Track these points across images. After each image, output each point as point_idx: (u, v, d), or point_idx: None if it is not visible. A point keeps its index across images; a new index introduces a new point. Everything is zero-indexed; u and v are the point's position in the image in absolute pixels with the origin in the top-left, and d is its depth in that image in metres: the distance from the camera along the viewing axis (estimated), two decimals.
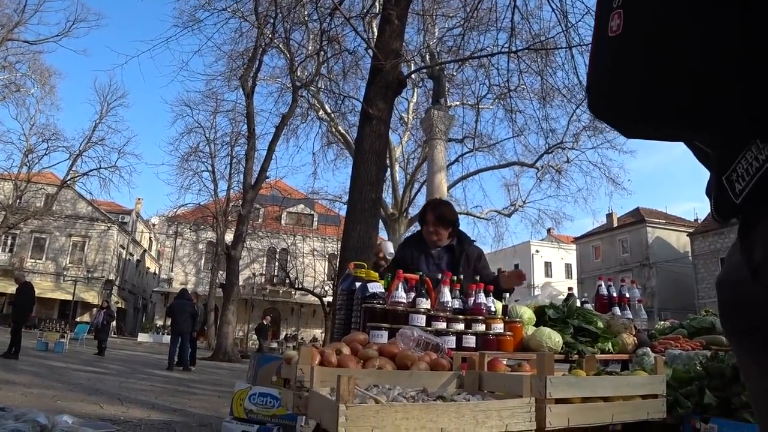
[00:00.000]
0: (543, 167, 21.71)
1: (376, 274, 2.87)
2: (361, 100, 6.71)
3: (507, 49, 9.28)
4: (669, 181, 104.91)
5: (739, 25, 0.59)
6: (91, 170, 34.45)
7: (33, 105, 36.56)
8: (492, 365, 2.15)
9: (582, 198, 22.96)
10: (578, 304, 3.50)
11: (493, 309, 2.86)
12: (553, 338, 2.87)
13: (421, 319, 2.61)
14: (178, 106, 37.59)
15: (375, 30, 7.84)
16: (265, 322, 27.87)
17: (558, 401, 1.83)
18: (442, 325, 2.66)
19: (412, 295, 2.77)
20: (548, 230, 38.02)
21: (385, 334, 2.50)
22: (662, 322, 4.00)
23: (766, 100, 0.59)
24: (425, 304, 2.69)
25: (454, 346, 2.60)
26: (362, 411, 1.40)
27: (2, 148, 49.69)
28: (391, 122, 7.37)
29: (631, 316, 3.55)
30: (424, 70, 16.46)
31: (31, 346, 16.68)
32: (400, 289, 2.72)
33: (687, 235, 39.42)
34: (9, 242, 41.06)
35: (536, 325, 3.14)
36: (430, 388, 1.78)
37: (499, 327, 2.80)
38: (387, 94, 6.38)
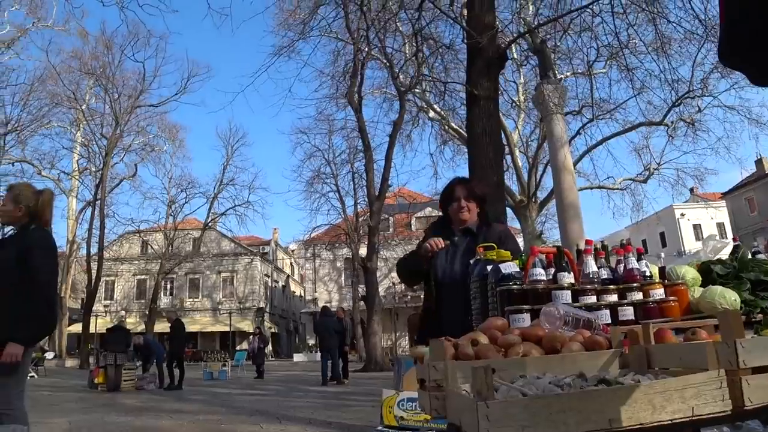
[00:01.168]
0: (673, 123, 19.97)
1: (508, 254, 2.58)
2: (465, 84, 6.42)
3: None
4: None
5: None
6: (228, 210, 37.18)
7: (168, 160, 40.15)
8: (660, 336, 1.79)
9: (724, 148, 20.62)
10: (749, 255, 2.98)
11: (648, 273, 2.46)
12: (728, 297, 2.42)
13: (567, 296, 2.28)
14: (294, 134, 39.50)
15: (465, 13, 7.52)
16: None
17: (756, 371, 1.44)
18: (592, 299, 2.31)
19: (552, 270, 2.45)
20: (691, 190, 35.03)
21: (527, 317, 2.21)
22: None
23: None
24: (569, 278, 2.36)
25: (609, 321, 2.25)
26: (507, 407, 1.15)
27: (149, 203, 54.77)
28: (501, 106, 7.03)
29: None
30: (527, 48, 15.78)
31: (197, 377, 17.97)
32: (537, 265, 2.41)
33: None
34: (168, 287, 44.93)
35: (703, 285, 2.69)
36: (588, 372, 1.48)
37: (659, 293, 2.39)
38: (490, 70, 6.02)
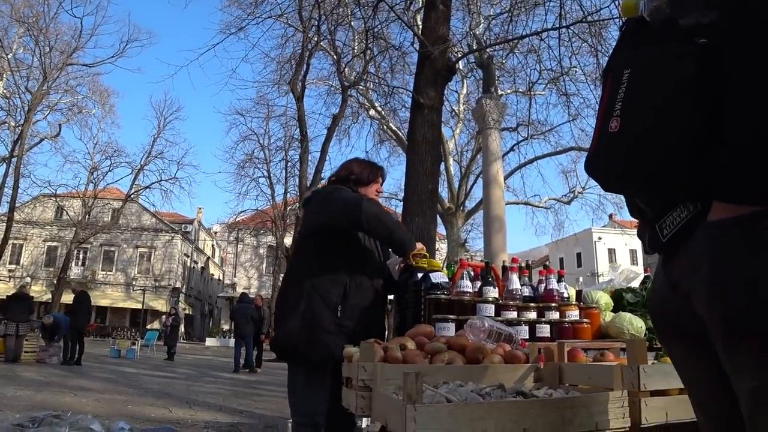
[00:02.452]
0: None
1: (439, 264, 2.68)
2: (411, 90, 6.53)
3: (557, 26, 8.89)
4: None
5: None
6: (153, 183, 35.64)
7: (95, 125, 38.37)
8: (572, 355, 1.94)
9: None
10: None
11: (566, 295, 2.64)
12: (636, 324, 2.63)
13: (490, 309, 2.41)
14: (231, 114, 38.62)
15: (420, 22, 7.65)
16: None
17: (653, 393, 1.60)
18: (513, 315, 2.45)
19: (478, 284, 2.58)
20: (610, 216, 36.81)
21: (452, 326, 2.33)
22: None
23: (696, 182, 0.95)
24: (493, 292, 2.50)
25: (527, 337, 2.40)
26: (434, 412, 1.24)
27: (69, 167, 51.98)
28: (442, 114, 7.19)
29: None
30: (473, 60, 16.16)
31: (104, 353, 17.31)
32: (465, 277, 2.54)
33: None
34: (81, 257, 42.89)
35: (614, 310, 2.90)
36: (506, 383, 1.59)
37: (574, 314, 2.57)
38: (437, 81, 6.16)
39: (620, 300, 2.96)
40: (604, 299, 2.84)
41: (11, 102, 31.61)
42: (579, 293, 2.78)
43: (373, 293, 2.57)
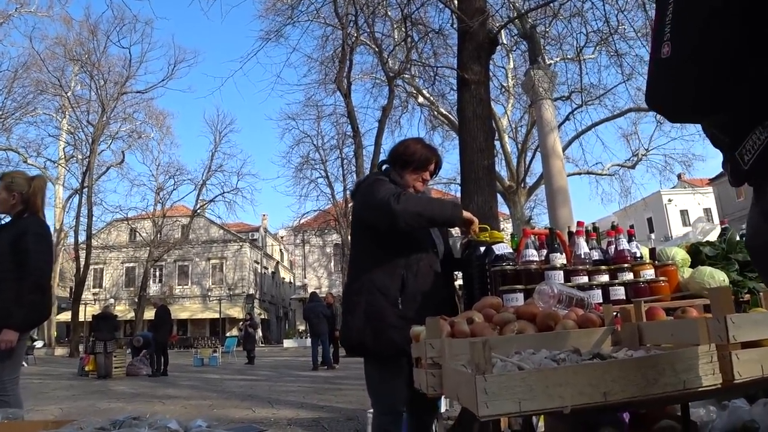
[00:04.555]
0: None
1: (501, 235, 2.60)
2: (456, 68, 6.40)
3: None
4: None
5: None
6: (216, 196, 36.97)
7: (155, 147, 39.87)
8: (651, 315, 1.82)
9: None
10: (737, 237, 3.02)
11: (639, 254, 2.50)
12: (717, 277, 2.47)
13: (559, 276, 2.31)
14: (282, 120, 39.29)
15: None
16: None
17: (745, 345, 1.48)
18: (584, 279, 2.34)
19: (544, 252, 2.48)
20: (678, 176, 35.33)
21: (521, 296, 2.25)
22: None
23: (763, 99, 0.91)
24: (561, 259, 2.40)
25: (600, 301, 2.29)
26: (505, 380, 1.17)
27: (137, 191, 54.41)
28: (491, 92, 7.04)
29: None
30: (516, 33, 15.78)
31: (188, 363, 17.96)
32: (529, 246, 2.45)
33: None
34: (158, 274, 44.79)
35: (692, 266, 2.74)
36: (582, 348, 1.51)
37: (650, 273, 2.43)
38: (480, 55, 6.01)
39: (698, 254, 2.79)
40: (681, 255, 2.69)
41: (76, 136, 33.39)
42: (653, 251, 2.63)
43: (433, 277, 2.45)
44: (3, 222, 3.81)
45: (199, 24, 65.26)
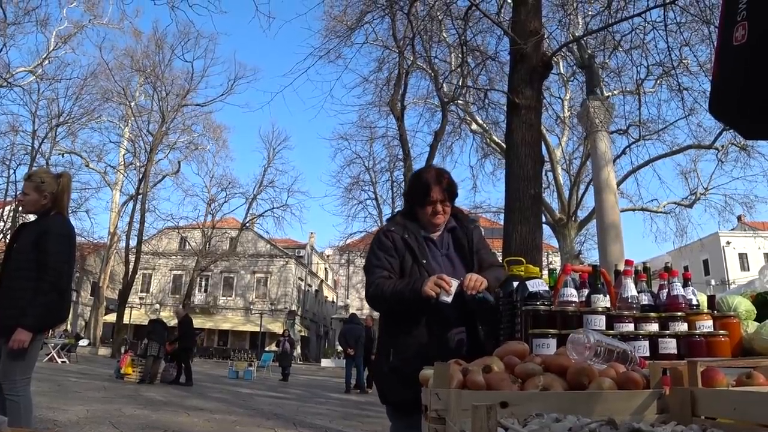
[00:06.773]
0: (724, 146, 19.24)
1: (537, 270, 2.32)
2: (506, 92, 6.14)
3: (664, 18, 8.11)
4: None
5: None
6: (266, 211, 37.66)
7: (210, 159, 41.03)
8: (708, 377, 1.51)
9: None
10: None
11: (695, 302, 2.18)
12: None
13: (600, 321, 2.01)
14: (335, 139, 39.72)
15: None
16: None
17: None
18: (629, 327, 2.03)
19: (585, 291, 2.18)
20: (739, 218, 33.74)
21: (553, 342, 1.96)
22: None
23: None
24: (604, 301, 2.09)
25: (647, 354, 1.98)
26: None
27: (189, 200, 56.02)
28: (545, 121, 6.78)
29: None
30: (574, 63, 15.42)
31: (223, 374, 17.97)
32: (569, 285, 2.15)
33: None
34: (203, 283, 45.61)
35: (757, 319, 2.38)
36: (619, 416, 1.22)
37: (707, 325, 2.10)
38: (533, 78, 5.72)
39: (765, 306, 2.43)
40: (744, 305, 2.34)
41: (136, 144, 34.67)
42: (711, 299, 2.30)
43: (427, 330, 2.29)
44: (33, 220, 3.77)
45: (258, 40, 66.85)
